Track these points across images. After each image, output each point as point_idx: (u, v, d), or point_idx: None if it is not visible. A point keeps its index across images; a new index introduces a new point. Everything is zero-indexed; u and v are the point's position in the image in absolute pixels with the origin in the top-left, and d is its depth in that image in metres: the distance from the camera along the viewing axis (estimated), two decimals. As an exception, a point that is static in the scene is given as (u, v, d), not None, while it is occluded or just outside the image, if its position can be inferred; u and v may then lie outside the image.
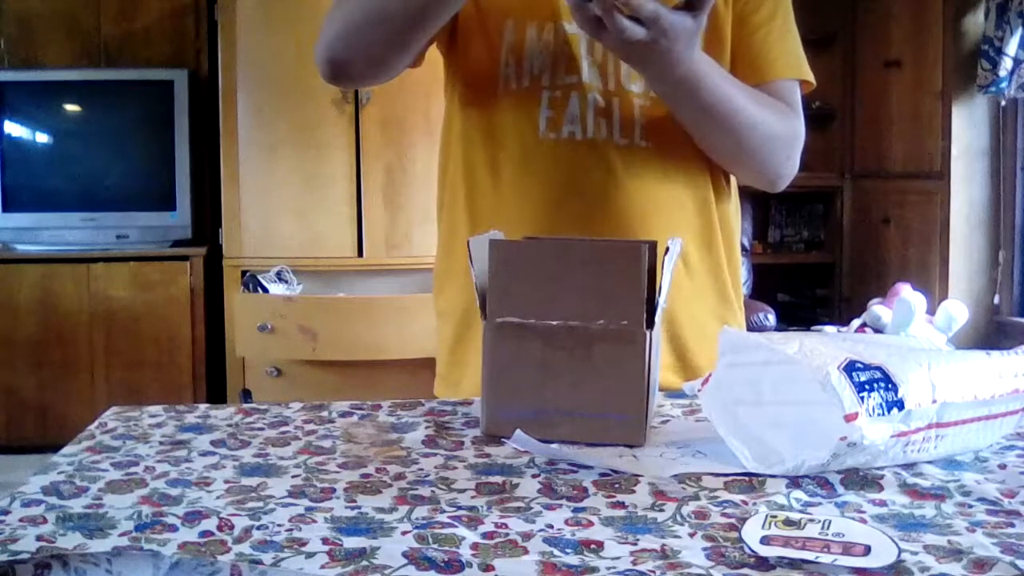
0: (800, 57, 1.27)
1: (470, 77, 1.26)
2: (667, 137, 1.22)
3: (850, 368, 0.80)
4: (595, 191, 1.22)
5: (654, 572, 0.62)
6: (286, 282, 3.72)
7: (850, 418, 0.78)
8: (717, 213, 1.29)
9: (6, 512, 0.73)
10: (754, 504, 0.75)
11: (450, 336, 1.31)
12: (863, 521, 0.71)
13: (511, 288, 0.94)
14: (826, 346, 0.83)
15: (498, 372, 0.94)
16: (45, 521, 0.71)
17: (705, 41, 1.20)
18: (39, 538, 0.68)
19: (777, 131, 1.22)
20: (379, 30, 1.15)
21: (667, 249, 0.98)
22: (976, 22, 4.07)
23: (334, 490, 0.79)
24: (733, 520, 0.71)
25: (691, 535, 0.69)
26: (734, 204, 1.34)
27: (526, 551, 0.66)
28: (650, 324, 0.92)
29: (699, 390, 0.92)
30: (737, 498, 0.77)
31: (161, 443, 0.93)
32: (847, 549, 0.64)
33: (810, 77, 1.27)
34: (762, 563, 0.63)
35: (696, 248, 1.27)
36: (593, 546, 0.67)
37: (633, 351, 0.92)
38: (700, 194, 1.27)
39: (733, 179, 1.33)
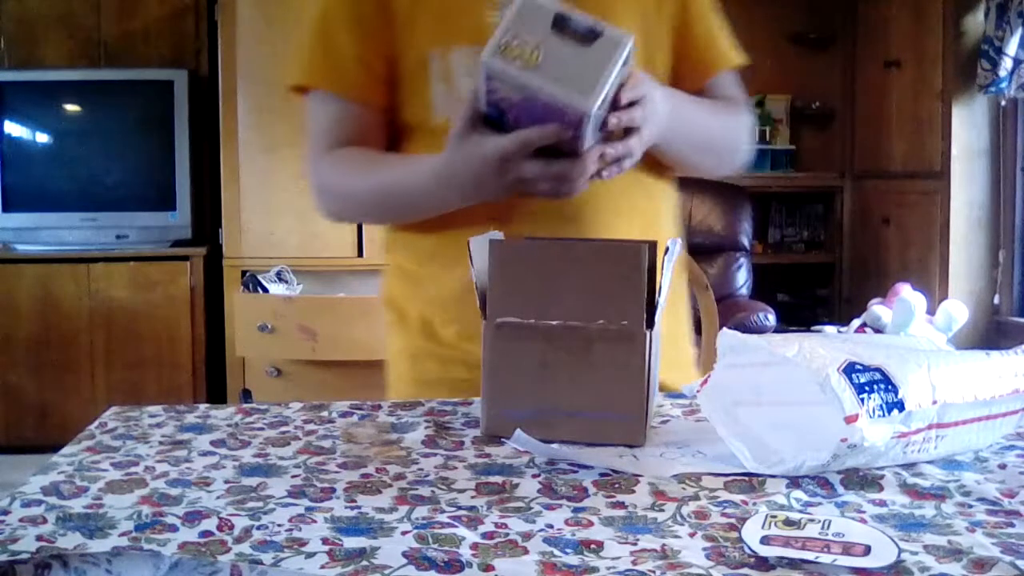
0: (734, 44, 1.34)
1: (406, 115, 1.26)
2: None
3: (849, 370, 0.80)
4: (538, 201, 1.19)
5: (654, 572, 0.62)
6: (286, 282, 3.72)
7: (850, 420, 0.78)
8: (664, 217, 1.32)
9: (6, 512, 0.73)
10: (754, 504, 0.75)
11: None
12: (863, 521, 0.71)
13: (511, 288, 0.94)
14: (825, 348, 0.83)
15: (498, 372, 0.94)
16: (45, 521, 0.71)
17: (645, 57, 1.24)
18: (39, 538, 0.68)
19: (739, 130, 1.33)
20: (378, 219, 1.35)
21: (667, 249, 0.98)
22: (976, 22, 4.07)
23: (334, 490, 0.79)
24: (733, 520, 0.71)
25: (691, 535, 0.69)
26: (675, 207, 1.38)
27: (526, 551, 0.66)
28: (650, 324, 0.92)
29: (698, 391, 0.92)
30: (737, 498, 0.77)
31: (161, 443, 0.93)
32: (847, 549, 0.64)
33: (744, 59, 1.34)
34: (762, 563, 0.63)
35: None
36: (593, 546, 0.67)
37: (633, 351, 0.92)
38: (646, 200, 1.28)
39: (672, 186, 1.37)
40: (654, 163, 1.22)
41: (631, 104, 1.04)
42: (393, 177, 1.22)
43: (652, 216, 1.29)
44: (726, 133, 1.32)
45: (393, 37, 1.22)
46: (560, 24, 0.99)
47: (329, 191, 1.29)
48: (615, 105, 1.03)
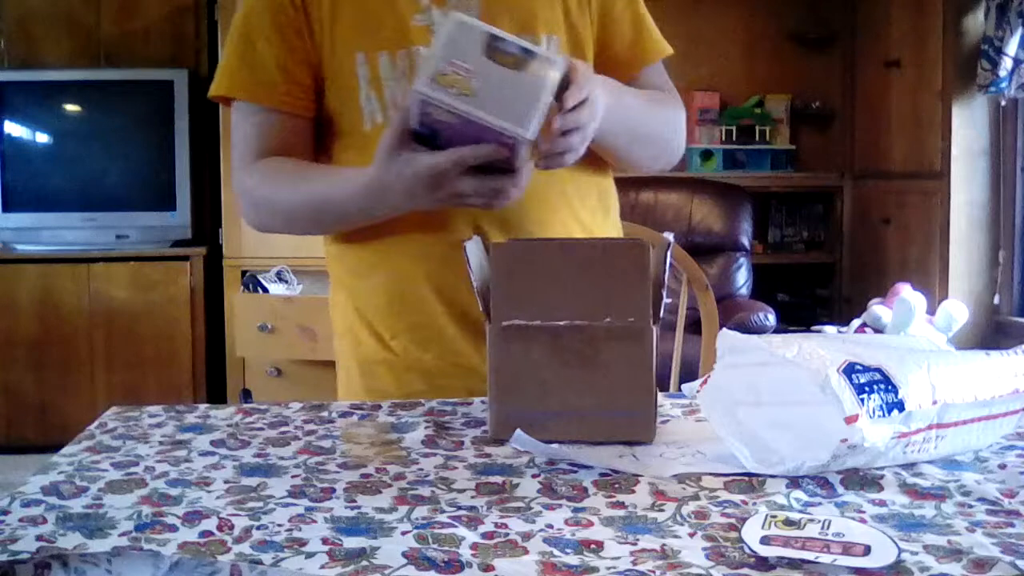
0: (660, 34, 1.33)
1: (335, 121, 1.25)
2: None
3: (849, 370, 0.80)
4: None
5: (654, 572, 0.62)
6: (286, 282, 3.72)
7: (851, 420, 0.78)
8: (602, 214, 1.31)
9: (6, 512, 0.73)
10: (754, 504, 0.75)
11: None
12: (863, 521, 0.71)
13: (514, 290, 0.94)
14: (825, 348, 0.83)
15: (505, 375, 0.94)
16: (45, 521, 0.71)
17: (572, 52, 1.23)
18: (39, 538, 0.68)
19: (676, 122, 1.31)
20: (307, 230, 1.31)
21: (668, 244, 0.98)
22: (976, 22, 4.06)
23: (334, 490, 0.79)
24: (733, 520, 0.72)
25: (691, 535, 0.69)
26: (615, 206, 1.38)
27: (526, 551, 0.66)
28: (656, 320, 0.92)
29: (698, 391, 0.92)
30: (737, 498, 0.77)
31: (161, 443, 0.93)
32: (847, 549, 0.64)
33: (671, 49, 1.33)
34: (762, 563, 0.63)
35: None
36: (593, 546, 0.67)
37: (641, 347, 0.92)
38: (582, 200, 1.28)
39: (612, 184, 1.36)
40: (591, 160, 1.21)
41: (577, 105, 1.03)
42: (321, 189, 1.21)
43: (590, 214, 1.29)
44: (663, 124, 1.30)
45: (315, 43, 1.22)
46: (492, 47, 0.99)
47: (255, 201, 1.29)
48: (560, 106, 1.02)
